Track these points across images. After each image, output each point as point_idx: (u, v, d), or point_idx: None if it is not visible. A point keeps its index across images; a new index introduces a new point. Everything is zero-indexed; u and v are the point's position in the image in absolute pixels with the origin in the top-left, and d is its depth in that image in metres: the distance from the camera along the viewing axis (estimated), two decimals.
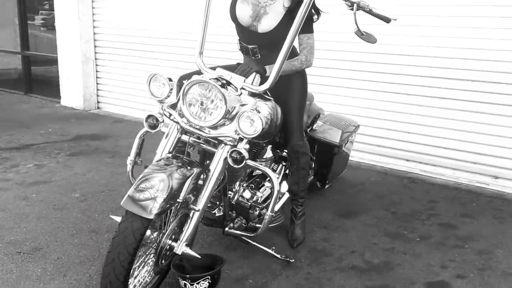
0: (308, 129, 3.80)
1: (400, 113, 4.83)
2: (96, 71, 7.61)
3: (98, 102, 7.70)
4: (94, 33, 7.48)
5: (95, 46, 7.52)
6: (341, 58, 5.07)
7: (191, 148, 2.78)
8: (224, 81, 2.54)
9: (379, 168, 4.97)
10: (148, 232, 2.44)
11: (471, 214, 3.88)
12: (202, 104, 2.49)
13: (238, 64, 3.06)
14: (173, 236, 2.56)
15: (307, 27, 2.91)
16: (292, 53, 2.96)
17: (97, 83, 7.65)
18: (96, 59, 7.56)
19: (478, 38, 4.32)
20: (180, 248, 2.47)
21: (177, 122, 2.59)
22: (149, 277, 2.63)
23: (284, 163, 3.53)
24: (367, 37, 2.71)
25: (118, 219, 2.36)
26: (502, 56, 4.22)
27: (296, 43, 2.93)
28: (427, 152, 4.75)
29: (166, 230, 2.52)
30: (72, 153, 5.27)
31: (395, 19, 2.70)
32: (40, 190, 4.20)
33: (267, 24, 2.98)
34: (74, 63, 7.52)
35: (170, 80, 2.52)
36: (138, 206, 2.23)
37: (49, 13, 8.74)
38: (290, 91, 3.15)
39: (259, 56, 3.05)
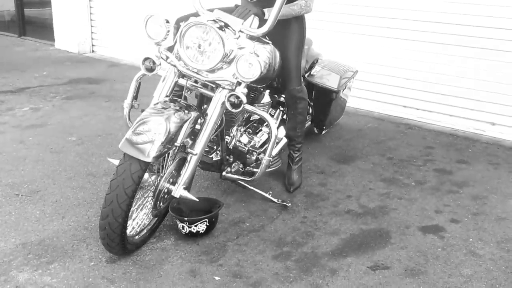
0: (306, 74, 3.77)
1: (397, 58, 4.78)
2: (91, 13, 7.45)
3: (93, 45, 7.59)
4: None
5: None
6: (338, 2, 4.97)
7: (189, 92, 2.76)
8: (222, 23, 2.50)
9: (376, 114, 4.96)
10: (146, 175, 2.46)
11: (467, 160, 3.91)
12: (199, 46, 2.45)
13: (236, 6, 3.00)
14: (171, 180, 2.58)
15: None
16: None
17: (91, 26, 7.51)
18: (90, 1, 7.39)
19: None
20: (178, 191, 2.49)
21: (174, 65, 2.55)
22: (148, 220, 2.66)
23: (281, 108, 3.52)
24: None
25: (116, 162, 2.36)
26: (499, 1, 4.15)
27: None
28: (424, 98, 4.73)
29: (164, 174, 2.54)
30: (68, 97, 5.23)
31: None
32: (37, 133, 4.19)
33: None
34: (68, 5, 7.36)
35: (167, 21, 2.47)
36: (136, 149, 2.24)
37: None
38: (288, 36, 3.10)
39: None
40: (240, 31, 2.54)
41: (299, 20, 3.14)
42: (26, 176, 3.42)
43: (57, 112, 4.75)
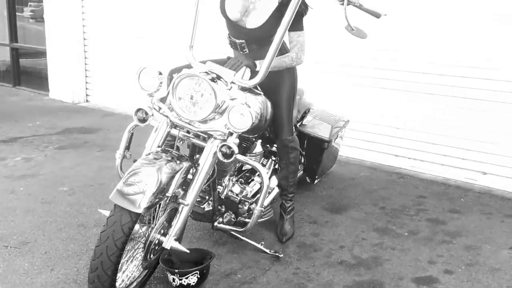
0: (298, 124, 3.80)
1: (389, 108, 4.84)
2: (85, 64, 7.55)
3: (87, 95, 7.65)
4: (83, 26, 7.42)
5: (84, 39, 7.46)
6: (331, 53, 5.07)
7: (181, 142, 2.77)
8: (214, 75, 2.53)
9: (368, 163, 4.98)
10: (137, 227, 2.43)
11: (459, 210, 3.90)
12: (192, 98, 2.48)
13: (229, 58, 3.05)
14: (162, 231, 2.55)
15: (297, 24, 2.91)
16: (282, 49, 2.96)
17: (86, 76, 7.59)
18: (85, 51, 7.50)
19: (465, 33, 4.33)
20: (169, 242, 2.47)
21: (167, 116, 2.57)
22: (138, 272, 2.62)
23: (273, 158, 3.53)
24: (357, 33, 2.70)
25: (107, 213, 2.35)
26: (490, 52, 4.24)
27: (286, 40, 2.93)
28: (415, 147, 4.77)
29: (155, 225, 2.52)
30: (61, 147, 5.23)
31: (385, 15, 2.70)
32: (28, 183, 4.17)
33: (255, 20, 2.97)
34: (63, 56, 7.46)
35: (160, 73, 2.50)
36: (126, 200, 2.22)
37: (38, 5, 8.66)
38: (280, 86, 3.14)
39: (247, 51, 3.05)
40: (232, 82, 2.58)
41: (290, 71, 3.19)
42: (16, 227, 3.39)
43: (50, 162, 4.74)
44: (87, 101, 7.64)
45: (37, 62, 8.57)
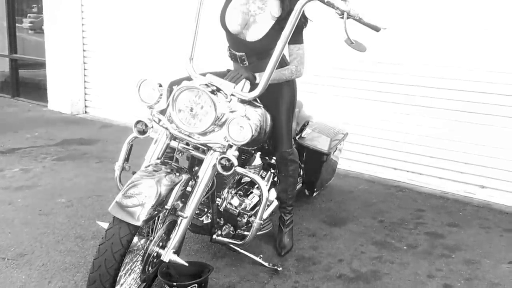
0: (297, 137, 3.80)
1: (387, 121, 4.85)
2: (84, 75, 7.56)
3: (85, 106, 7.65)
4: (83, 37, 7.43)
5: (83, 50, 7.47)
6: (330, 66, 5.09)
7: (180, 154, 2.76)
8: (214, 87, 2.54)
9: (366, 176, 4.98)
10: (135, 239, 2.42)
11: (458, 224, 3.90)
12: (191, 110, 2.48)
13: (228, 70, 3.06)
14: (161, 243, 2.54)
15: (297, 37, 2.92)
16: (282, 62, 2.97)
17: (85, 88, 7.60)
18: (84, 63, 7.51)
19: (465, 46, 4.35)
20: (167, 255, 2.45)
21: (166, 128, 2.57)
22: (136, 285, 2.60)
23: (272, 171, 3.52)
24: (357, 46, 2.70)
25: (105, 225, 2.33)
26: (485, 65, 4.26)
27: (286, 52, 2.93)
28: (414, 161, 4.77)
29: (154, 237, 2.50)
30: (59, 158, 5.22)
31: (385, 28, 2.70)
32: (26, 195, 4.15)
33: (255, 33, 2.98)
34: (62, 67, 7.47)
35: (160, 85, 2.50)
36: (125, 212, 2.21)
37: (37, 16, 8.69)
38: (279, 99, 3.15)
39: (247, 64, 3.05)
40: (232, 94, 2.58)
41: (290, 83, 3.20)
42: (13, 239, 3.37)
43: (48, 173, 4.72)
44: (85, 112, 7.64)
45: (36, 73, 8.58)
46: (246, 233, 2.97)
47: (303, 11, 2.75)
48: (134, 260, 2.53)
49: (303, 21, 2.95)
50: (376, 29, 2.71)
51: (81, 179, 4.59)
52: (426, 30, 4.53)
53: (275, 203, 3.32)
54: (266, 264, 3.09)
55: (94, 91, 7.52)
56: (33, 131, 6.34)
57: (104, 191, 4.25)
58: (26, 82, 8.89)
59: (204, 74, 2.67)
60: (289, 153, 3.20)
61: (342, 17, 2.60)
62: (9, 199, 4.05)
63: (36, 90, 8.38)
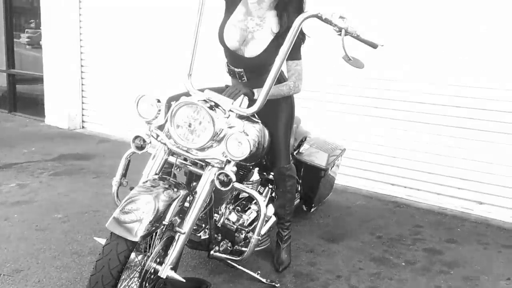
0: (295, 152, 3.80)
1: (385, 137, 4.86)
2: (82, 90, 7.57)
3: (83, 121, 7.65)
4: (81, 53, 7.46)
5: (81, 66, 7.50)
6: (328, 82, 5.11)
7: (178, 170, 2.75)
8: (213, 103, 2.54)
9: (364, 192, 4.97)
10: (133, 255, 2.40)
11: (456, 240, 3.89)
12: (190, 125, 2.48)
13: (227, 86, 3.07)
14: (158, 259, 2.52)
15: (295, 53, 2.93)
16: (280, 78, 2.98)
17: (82, 102, 7.61)
18: (82, 78, 7.53)
19: (463, 64, 4.38)
20: (165, 271, 2.43)
21: (165, 144, 2.57)
22: None
23: (270, 186, 3.52)
24: (355, 62, 2.71)
25: (102, 241, 2.32)
26: (486, 82, 4.28)
27: (284, 68, 2.95)
28: (411, 176, 4.77)
29: (151, 253, 2.48)
30: (56, 173, 5.21)
31: (382, 45, 2.72)
32: (22, 210, 4.13)
33: (254, 49, 2.99)
34: (60, 82, 7.49)
35: (159, 101, 2.50)
36: (123, 228, 2.20)
37: (35, 31, 8.73)
38: (277, 114, 3.15)
39: (245, 80, 3.06)
40: (230, 110, 2.58)
41: (288, 99, 3.21)
42: (9, 255, 3.34)
43: (44, 188, 4.71)
44: (83, 127, 7.63)
45: (33, 88, 8.59)
46: (243, 249, 2.95)
47: (301, 28, 2.77)
48: (131, 277, 2.50)
49: (301, 37, 2.97)
50: (374, 46, 2.73)
51: (78, 194, 4.57)
52: (423, 47, 4.56)
53: (273, 218, 3.31)
54: (264, 280, 3.07)
55: (91, 106, 7.53)
56: (30, 146, 6.33)
57: (101, 207, 4.24)
58: (24, 97, 8.90)
59: (202, 90, 2.68)
60: (287, 169, 3.20)
61: (340, 34, 2.62)
62: (5, 214, 4.03)
63: (33, 105, 8.38)
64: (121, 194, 2.69)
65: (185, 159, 2.63)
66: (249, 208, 3.22)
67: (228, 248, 3.01)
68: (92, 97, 7.49)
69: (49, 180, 4.96)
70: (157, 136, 2.57)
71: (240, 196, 3.25)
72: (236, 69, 3.07)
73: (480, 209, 4.44)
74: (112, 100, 7.18)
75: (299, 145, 3.87)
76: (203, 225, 2.92)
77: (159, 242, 2.51)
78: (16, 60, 8.84)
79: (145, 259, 2.46)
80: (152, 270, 2.49)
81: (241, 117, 2.63)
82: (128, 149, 2.70)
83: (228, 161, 2.48)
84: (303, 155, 3.84)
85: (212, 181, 2.50)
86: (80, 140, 6.88)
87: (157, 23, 6.48)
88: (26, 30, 9.04)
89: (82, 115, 7.64)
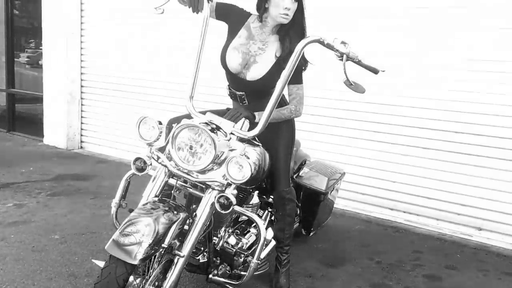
0: (295, 176, 3.79)
1: (384, 162, 4.86)
2: (81, 110, 7.58)
3: (81, 141, 7.64)
4: (81, 73, 7.49)
5: (81, 86, 7.52)
6: (327, 106, 5.12)
7: (177, 192, 2.74)
8: (214, 126, 2.54)
9: (363, 216, 4.95)
10: (131, 278, 2.37)
11: (456, 266, 3.86)
12: (191, 148, 2.48)
13: (228, 109, 3.07)
14: (156, 283, 2.49)
15: (297, 78, 2.95)
16: (281, 102, 2.98)
17: (81, 123, 7.61)
18: (82, 98, 7.54)
19: (462, 90, 4.40)
20: None
21: (165, 166, 2.56)
22: None
23: (269, 209, 3.50)
24: (356, 87, 2.73)
25: (100, 263, 2.30)
26: (485, 108, 4.30)
27: (285, 92, 2.96)
28: (411, 201, 4.76)
29: (149, 276, 2.46)
30: (53, 193, 5.18)
31: (383, 71, 2.73)
32: (19, 230, 4.10)
33: (255, 72, 3.01)
34: (59, 102, 7.49)
35: (160, 123, 2.51)
36: (122, 250, 2.18)
37: (34, 51, 8.77)
38: (278, 138, 3.15)
39: (247, 103, 3.07)
40: (231, 133, 2.58)
41: (288, 123, 3.21)
42: (5, 276, 3.31)
43: (42, 209, 4.68)
44: (81, 147, 7.62)
45: (32, 108, 8.59)
46: (242, 273, 2.92)
47: (303, 53, 2.79)
48: None
49: (303, 62, 2.98)
50: (375, 71, 2.74)
51: (75, 215, 4.54)
52: (424, 72, 4.58)
53: (273, 242, 3.29)
54: None
55: (90, 126, 7.53)
56: (28, 165, 6.31)
57: (99, 228, 4.20)
58: (22, 117, 8.90)
59: (203, 113, 2.68)
60: (286, 192, 3.19)
61: (342, 59, 2.63)
62: (2, 234, 3.99)
63: (32, 124, 8.38)
64: (120, 216, 2.67)
65: (185, 181, 2.62)
66: (248, 231, 3.20)
67: (227, 272, 2.99)
68: (91, 118, 7.50)
69: (47, 201, 4.93)
70: (158, 158, 2.56)
71: (239, 219, 3.23)
72: (237, 92, 3.08)
73: (480, 235, 4.42)
74: (111, 121, 7.19)
75: (299, 169, 3.86)
76: (202, 248, 2.89)
77: (158, 265, 2.49)
78: (15, 79, 8.86)
79: (143, 282, 2.44)
80: None
81: (242, 140, 2.64)
82: (127, 170, 2.69)
83: (229, 184, 2.48)
84: (302, 178, 3.83)
85: (212, 204, 2.49)
86: (78, 160, 6.86)
87: (158, 45, 6.52)
88: (26, 49, 9.07)
89: (81, 135, 7.63)
